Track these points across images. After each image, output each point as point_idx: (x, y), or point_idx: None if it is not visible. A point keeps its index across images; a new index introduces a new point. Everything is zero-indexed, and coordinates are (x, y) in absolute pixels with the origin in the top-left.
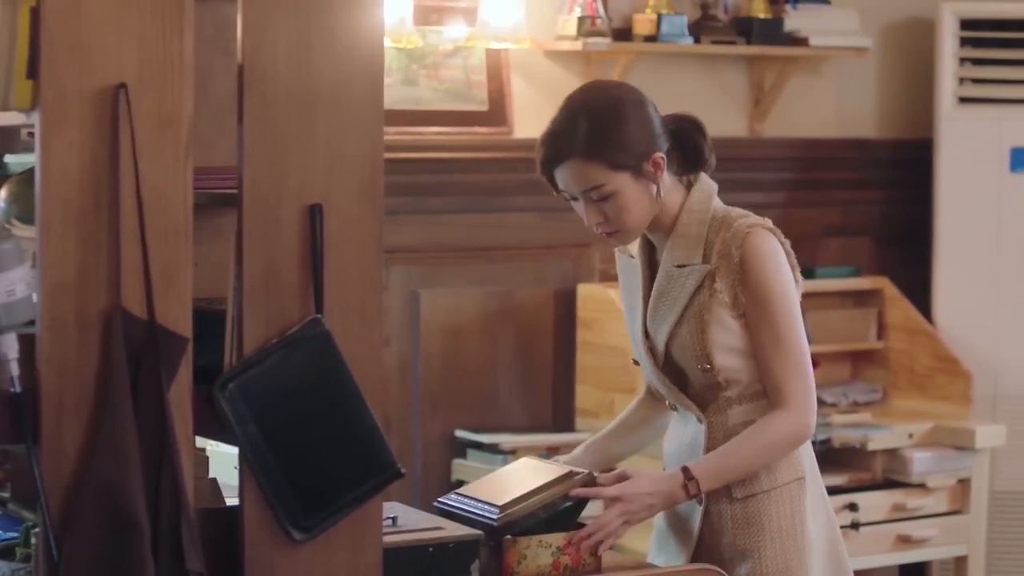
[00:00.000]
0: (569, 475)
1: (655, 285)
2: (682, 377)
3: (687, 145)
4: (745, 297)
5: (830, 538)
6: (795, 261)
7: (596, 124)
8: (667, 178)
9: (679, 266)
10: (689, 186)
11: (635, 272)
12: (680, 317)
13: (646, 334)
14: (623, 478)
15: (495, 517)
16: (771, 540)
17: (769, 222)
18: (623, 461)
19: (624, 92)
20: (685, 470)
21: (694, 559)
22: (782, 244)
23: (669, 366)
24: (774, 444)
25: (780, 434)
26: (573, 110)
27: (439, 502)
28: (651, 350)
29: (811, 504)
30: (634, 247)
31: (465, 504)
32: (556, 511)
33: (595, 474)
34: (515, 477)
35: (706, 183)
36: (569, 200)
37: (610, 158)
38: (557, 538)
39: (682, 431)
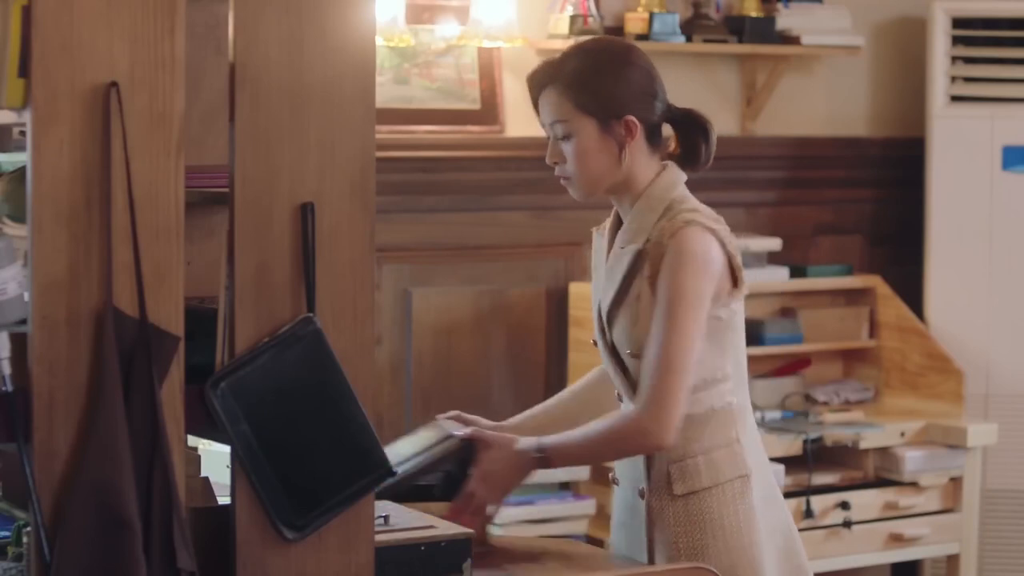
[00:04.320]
0: (447, 438)
1: (607, 264)
2: (622, 362)
3: (685, 141)
4: (653, 289)
5: (785, 535)
6: (739, 263)
7: (582, 65)
8: (645, 154)
9: (622, 247)
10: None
11: (601, 249)
12: (618, 299)
13: (599, 313)
14: (487, 444)
15: None
16: (714, 539)
17: (717, 221)
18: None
19: (629, 53)
20: (541, 449)
21: (649, 554)
22: (724, 246)
23: (613, 349)
24: (622, 442)
25: (628, 435)
26: (572, 49)
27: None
28: (603, 330)
29: (761, 502)
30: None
31: None
32: (432, 469)
33: (466, 434)
34: (408, 442)
35: (674, 170)
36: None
37: (580, 98)
38: (440, 508)
39: None
